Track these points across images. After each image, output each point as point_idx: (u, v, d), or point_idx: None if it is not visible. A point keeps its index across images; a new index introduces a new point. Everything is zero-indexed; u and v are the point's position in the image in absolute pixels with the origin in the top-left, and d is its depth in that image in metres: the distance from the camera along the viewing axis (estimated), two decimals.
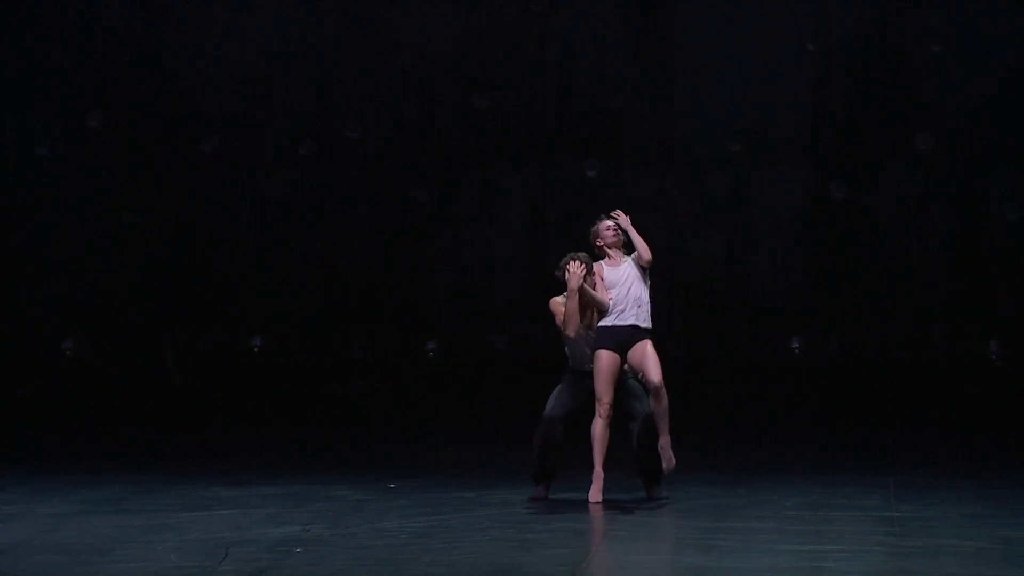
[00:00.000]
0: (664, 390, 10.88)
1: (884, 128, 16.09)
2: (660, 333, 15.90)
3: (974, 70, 15.95)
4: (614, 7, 16.34)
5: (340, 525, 10.20)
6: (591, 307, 11.16)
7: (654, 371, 10.89)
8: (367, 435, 15.26)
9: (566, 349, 11.33)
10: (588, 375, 11.14)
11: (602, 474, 10.99)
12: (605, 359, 11.00)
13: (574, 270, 11.06)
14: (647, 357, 10.95)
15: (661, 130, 16.33)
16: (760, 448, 14.36)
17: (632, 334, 11.02)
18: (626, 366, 11.10)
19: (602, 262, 11.24)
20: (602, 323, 11.09)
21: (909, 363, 15.91)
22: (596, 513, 10.73)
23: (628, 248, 11.26)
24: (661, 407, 10.93)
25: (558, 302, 11.28)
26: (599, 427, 10.98)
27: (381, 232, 16.47)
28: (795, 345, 16.02)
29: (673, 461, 10.97)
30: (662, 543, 9.68)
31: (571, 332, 11.14)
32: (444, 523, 10.30)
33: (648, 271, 11.17)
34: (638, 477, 11.27)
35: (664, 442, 10.97)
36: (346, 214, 16.50)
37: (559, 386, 11.32)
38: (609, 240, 11.25)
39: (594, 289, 11.09)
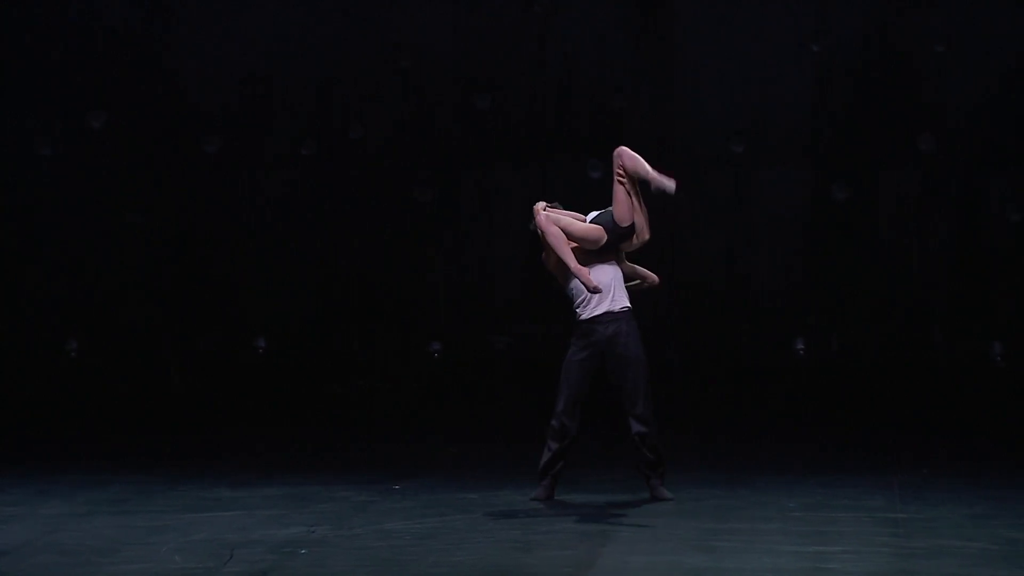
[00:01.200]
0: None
1: (885, 129, 16.09)
2: (660, 334, 16.06)
3: (975, 71, 15.96)
4: (614, 7, 16.34)
5: (344, 526, 10.21)
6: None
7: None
8: (370, 436, 15.27)
9: (570, 294, 11.31)
10: (592, 328, 11.12)
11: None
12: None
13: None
14: None
15: (661, 130, 16.32)
16: (762, 449, 14.36)
17: None
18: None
19: None
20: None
21: (910, 364, 15.91)
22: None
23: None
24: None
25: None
26: None
27: (381, 232, 16.48)
28: (800, 346, 16.03)
29: (669, 183, 11.04)
30: (664, 544, 9.68)
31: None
32: (448, 524, 10.30)
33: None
34: (642, 474, 11.27)
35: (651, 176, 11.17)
36: (347, 214, 16.50)
37: (565, 359, 11.27)
38: None
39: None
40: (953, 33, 15.97)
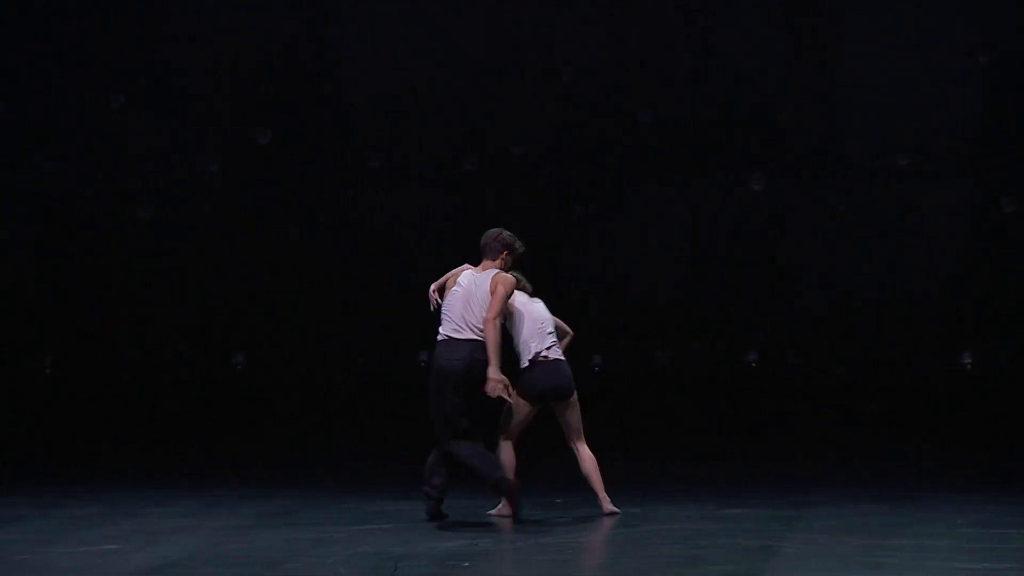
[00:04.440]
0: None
1: None
2: (822, 349, 15.92)
3: None
4: (776, 20, 16.23)
5: (506, 539, 10.22)
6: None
7: None
8: (535, 450, 15.28)
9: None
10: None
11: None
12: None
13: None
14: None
15: (824, 143, 16.20)
16: (928, 464, 14.16)
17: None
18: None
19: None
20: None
21: None
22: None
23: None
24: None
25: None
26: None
27: (543, 246, 16.49)
28: (967, 360, 15.78)
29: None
30: (830, 560, 9.56)
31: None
32: (609, 538, 10.27)
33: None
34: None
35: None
36: (508, 228, 16.53)
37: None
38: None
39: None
40: None
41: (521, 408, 11.12)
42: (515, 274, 11.23)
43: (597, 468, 11.15)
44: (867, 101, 16.11)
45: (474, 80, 16.51)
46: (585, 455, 11.17)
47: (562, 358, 11.22)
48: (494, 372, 10.72)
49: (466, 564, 9.39)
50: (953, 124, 15.99)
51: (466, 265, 11.24)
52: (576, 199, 16.46)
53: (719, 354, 16.20)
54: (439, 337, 11.00)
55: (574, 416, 11.19)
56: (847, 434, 15.59)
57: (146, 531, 10.66)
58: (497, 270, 11.10)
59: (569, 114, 16.48)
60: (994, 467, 13.92)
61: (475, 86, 16.51)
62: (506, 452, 11.13)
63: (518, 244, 11.26)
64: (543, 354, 11.12)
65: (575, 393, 11.19)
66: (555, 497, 12.05)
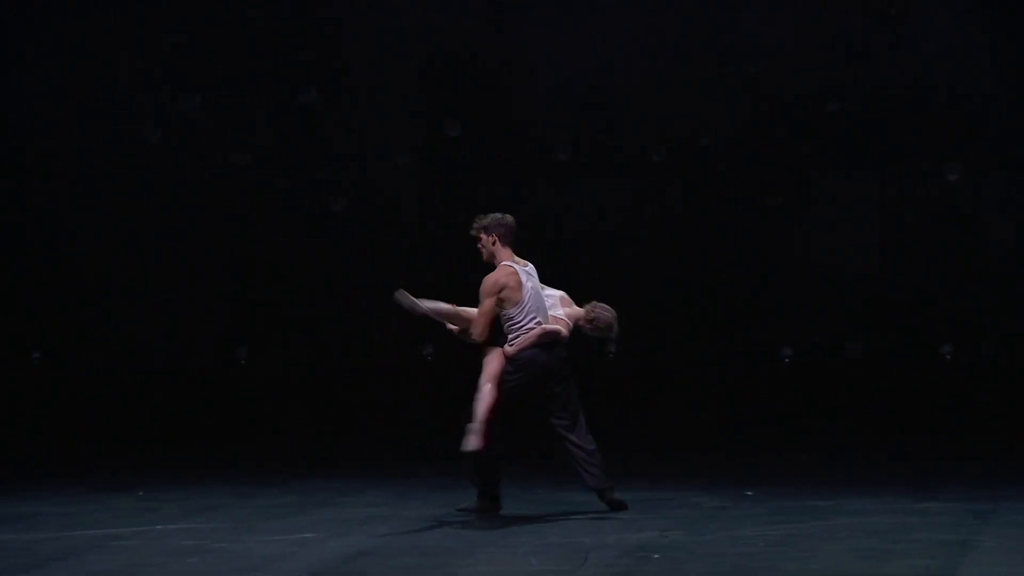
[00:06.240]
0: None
1: None
2: (1019, 340, 15.64)
3: None
4: (968, 6, 15.95)
5: (697, 532, 10.19)
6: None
7: None
8: (721, 443, 15.24)
9: None
10: None
11: None
12: None
13: None
14: None
15: (1020, 131, 15.90)
16: None
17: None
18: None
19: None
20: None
21: None
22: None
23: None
24: None
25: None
26: None
27: (731, 237, 16.39)
28: None
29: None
30: None
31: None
32: (801, 532, 10.19)
33: None
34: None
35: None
36: (695, 220, 16.48)
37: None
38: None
39: None
40: None
41: None
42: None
43: None
44: None
45: (661, 70, 16.44)
46: None
47: None
48: None
49: (656, 556, 9.39)
50: None
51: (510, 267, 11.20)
52: (765, 190, 16.33)
53: (911, 346, 15.98)
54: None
55: None
56: None
57: (340, 520, 10.83)
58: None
59: (757, 104, 16.35)
60: None
61: (662, 76, 16.44)
62: None
63: None
64: None
65: None
66: (745, 489, 11.98)
